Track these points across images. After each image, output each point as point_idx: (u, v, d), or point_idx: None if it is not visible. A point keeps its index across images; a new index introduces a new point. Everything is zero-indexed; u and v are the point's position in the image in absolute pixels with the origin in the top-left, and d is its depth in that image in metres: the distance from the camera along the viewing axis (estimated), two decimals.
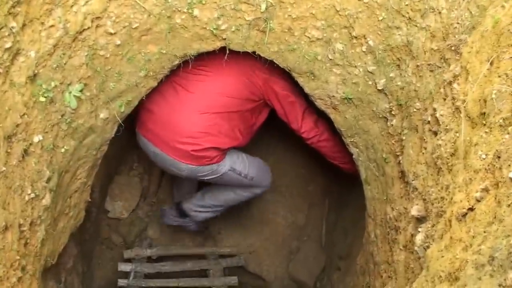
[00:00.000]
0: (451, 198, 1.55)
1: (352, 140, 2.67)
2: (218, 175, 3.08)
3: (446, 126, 1.78)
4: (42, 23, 1.92)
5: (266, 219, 4.40)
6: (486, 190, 1.31)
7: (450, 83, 1.80)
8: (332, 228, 4.24)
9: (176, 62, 2.51)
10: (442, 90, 1.87)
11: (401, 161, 2.21)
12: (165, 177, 4.55)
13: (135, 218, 4.21)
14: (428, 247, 1.65)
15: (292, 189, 4.57)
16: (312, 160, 4.66)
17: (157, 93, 2.81)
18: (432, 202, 1.78)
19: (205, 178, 3.10)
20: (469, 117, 1.63)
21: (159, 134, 2.91)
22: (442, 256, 1.38)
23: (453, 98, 1.76)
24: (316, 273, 4.12)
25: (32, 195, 2.00)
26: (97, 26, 2.15)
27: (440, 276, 1.32)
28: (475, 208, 1.33)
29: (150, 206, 4.36)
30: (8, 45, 1.75)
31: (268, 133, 4.26)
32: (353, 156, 2.74)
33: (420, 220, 1.89)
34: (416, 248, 1.79)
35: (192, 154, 2.88)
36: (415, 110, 2.10)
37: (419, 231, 1.79)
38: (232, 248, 4.13)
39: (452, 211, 1.47)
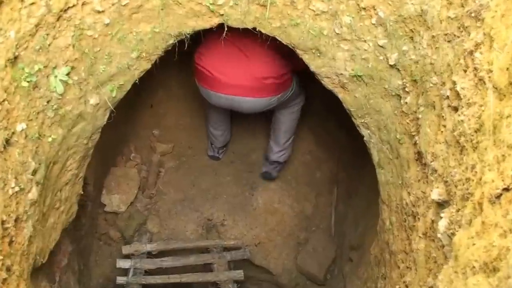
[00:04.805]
0: (480, 179, 1.41)
1: (362, 121, 2.56)
2: (293, 91, 3.78)
3: (468, 99, 1.64)
4: (22, 0, 1.82)
5: (272, 208, 4.34)
6: None
7: (471, 52, 1.66)
8: (342, 217, 4.18)
9: (171, 41, 2.44)
10: (462, 61, 1.73)
11: (417, 142, 2.09)
12: (165, 167, 4.51)
13: (133, 212, 4.14)
14: (453, 234, 1.53)
15: (298, 177, 4.52)
16: (318, 146, 4.66)
17: (215, 54, 3.42)
18: (456, 184, 1.64)
19: (285, 99, 3.79)
20: (496, 88, 1.49)
21: (245, 86, 3.47)
22: (474, 244, 1.27)
23: (475, 69, 1.62)
24: (326, 265, 4.05)
25: (17, 188, 1.88)
26: (83, 4, 2.07)
27: (473, 267, 1.22)
28: (511, 188, 1.19)
29: (149, 198, 4.31)
30: None
31: (267, 118, 4.28)
32: (364, 138, 2.63)
33: (441, 204, 1.78)
34: (439, 235, 1.67)
35: (272, 85, 3.51)
36: (431, 85, 1.98)
37: (441, 217, 1.67)
38: (237, 240, 4.06)
39: (482, 193, 1.34)
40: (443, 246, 1.66)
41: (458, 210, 1.56)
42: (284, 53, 3.36)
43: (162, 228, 4.17)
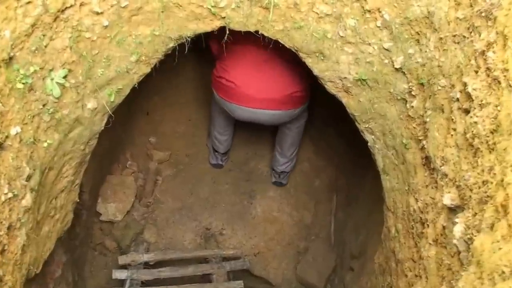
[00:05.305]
0: (501, 180, 1.35)
1: (367, 126, 2.51)
2: (304, 108, 3.79)
3: (482, 100, 1.59)
4: None
5: (271, 217, 4.28)
6: None
7: (483, 52, 1.62)
8: (342, 226, 4.12)
9: (171, 45, 2.39)
10: (473, 61, 1.70)
11: (425, 146, 2.04)
12: (162, 175, 4.46)
13: (130, 221, 4.07)
14: (470, 239, 1.47)
15: (297, 186, 4.47)
16: (317, 154, 4.62)
17: (240, 67, 3.43)
18: (471, 187, 1.58)
19: (296, 115, 3.80)
20: None
21: (273, 100, 3.47)
22: (500, 248, 1.21)
23: (488, 69, 1.59)
24: (326, 274, 3.98)
25: (10, 194, 1.82)
26: (81, 4, 2.01)
27: (503, 272, 1.14)
28: None
29: (146, 207, 4.23)
30: None
31: (271, 127, 4.25)
32: (368, 144, 2.58)
33: (453, 210, 1.72)
34: (454, 241, 1.60)
35: (296, 98, 3.53)
36: (439, 88, 1.93)
37: (456, 222, 1.60)
38: (236, 250, 3.99)
39: (506, 195, 1.28)
40: (458, 253, 1.59)
41: (475, 214, 1.50)
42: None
43: (160, 237, 4.10)
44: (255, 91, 3.43)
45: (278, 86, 3.43)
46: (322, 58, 2.34)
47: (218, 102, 3.70)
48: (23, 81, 1.86)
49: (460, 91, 1.75)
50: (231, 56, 3.40)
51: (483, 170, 1.52)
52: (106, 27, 2.12)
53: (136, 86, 2.48)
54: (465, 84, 1.70)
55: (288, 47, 2.37)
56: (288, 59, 3.31)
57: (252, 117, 3.60)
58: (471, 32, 1.75)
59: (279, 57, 3.37)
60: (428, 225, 1.95)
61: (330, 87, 2.47)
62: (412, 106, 2.17)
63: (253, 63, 3.40)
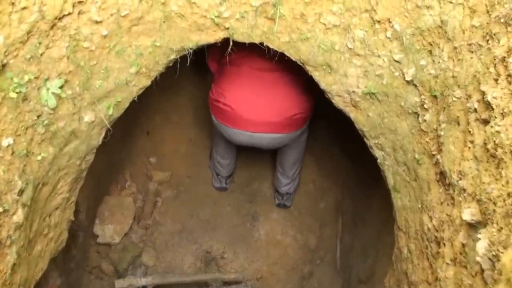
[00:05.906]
0: None
1: (376, 141, 2.43)
2: (305, 127, 3.72)
3: (503, 109, 1.52)
4: (13, 3, 1.70)
5: (274, 240, 4.21)
6: None
7: (503, 59, 1.57)
8: (348, 249, 4.04)
9: (173, 56, 2.33)
10: (492, 69, 1.63)
11: (439, 161, 1.96)
12: (162, 196, 4.40)
13: (128, 243, 3.99)
14: (496, 256, 1.39)
15: (302, 207, 4.41)
16: (321, 174, 4.57)
17: (236, 90, 3.35)
18: (494, 201, 1.49)
19: (298, 136, 3.72)
20: None
21: (266, 122, 3.39)
22: None
23: (510, 76, 1.53)
24: None
25: (0, 209, 1.72)
26: (79, 12, 1.95)
27: None
28: None
29: (145, 229, 4.16)
30: None
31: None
32: (378, 161, 2.49)
33: (474, 226, 1.62)
34: (477, 259, 1.50)
35: (298, 119, 3.45)
36: (454, 99, 1.86)
37: (478, 239, 1.51)
38: (238, 274, 3.89)
39: None
40: (482, 271, 1.48)
41: (500, 229, 1.41)
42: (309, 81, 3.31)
43: (158, 261, 4.01)
44: (253, 114, 3.35)
45: (278, 108, 3.35)
46: (329, 71, 2.28)
47: (216, 126, 3.64)
48: (17, 90, 1.78)
49: (478, 101, 1.68)
50: (227, 79, 3.36)
51: (507, 182, 1.44)
52: (105, 36, 2.05)
53: (135, 100, 2.40)
54: (483, 93, 1.63)
55: (293, 59, 2.30)
56: (290, 78, 3.26)
57: (250, 141, 3.52)
58: (488, 40, 1.69)
59: (280, 78, 3.31)
60: (444, 243, 1.85)
61: (338, 102, 2.40)
62: (425, 120, 2.10)
63: (250, 85, 3.33)
